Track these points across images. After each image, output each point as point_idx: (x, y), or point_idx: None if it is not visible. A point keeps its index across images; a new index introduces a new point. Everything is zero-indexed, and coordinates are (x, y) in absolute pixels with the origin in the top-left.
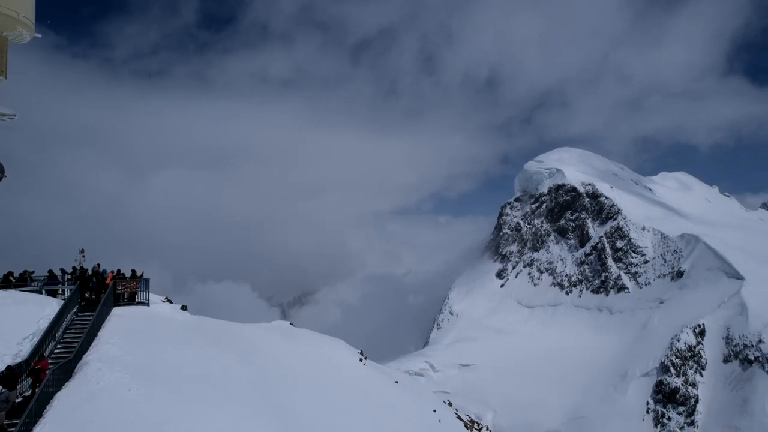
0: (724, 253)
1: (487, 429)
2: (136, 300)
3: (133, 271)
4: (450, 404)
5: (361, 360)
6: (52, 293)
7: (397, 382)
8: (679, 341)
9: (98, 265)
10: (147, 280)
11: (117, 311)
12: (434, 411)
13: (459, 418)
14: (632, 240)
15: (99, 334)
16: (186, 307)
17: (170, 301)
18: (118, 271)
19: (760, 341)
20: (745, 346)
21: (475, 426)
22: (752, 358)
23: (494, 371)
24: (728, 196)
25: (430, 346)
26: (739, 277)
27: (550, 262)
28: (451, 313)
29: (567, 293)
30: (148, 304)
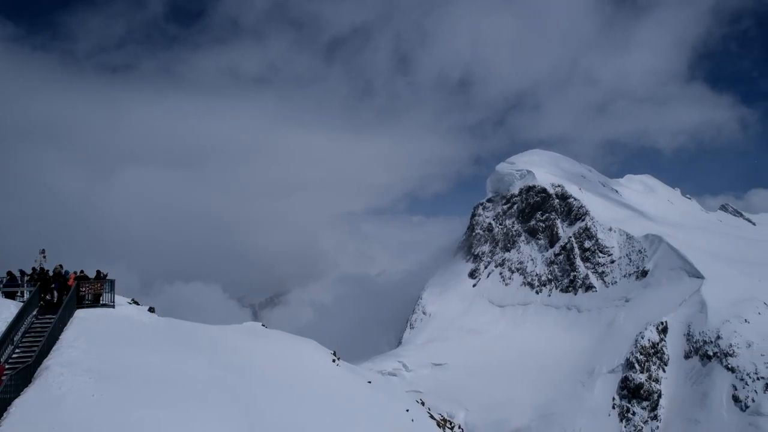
0: (685, 253)
1: (459, 427)
2: (101, 302)
3: (98, 272)
4: (423, 403)
5: (334, 361)
6: (11, 295)
7: (370, 382)
8: (643, 338)
9: (60, 266)
10: (112, 282)
11: (80, 314)
12: (407, 410)
13: (431, 417)
14: (599, 240)
15: (61, 337)
16: (153, 308)
17: (137, 303)
18: (81, 271)
19: (718, 337)
20: (705, 342)
21: (448, 425)
22: (711, 354)
23: (466, 370)
24: (689, 198)
25: (403, 346)
26: (699, 276)
27: (521, 262)
28: (424, 313)
29: (537, 292)
30: (113, 306)
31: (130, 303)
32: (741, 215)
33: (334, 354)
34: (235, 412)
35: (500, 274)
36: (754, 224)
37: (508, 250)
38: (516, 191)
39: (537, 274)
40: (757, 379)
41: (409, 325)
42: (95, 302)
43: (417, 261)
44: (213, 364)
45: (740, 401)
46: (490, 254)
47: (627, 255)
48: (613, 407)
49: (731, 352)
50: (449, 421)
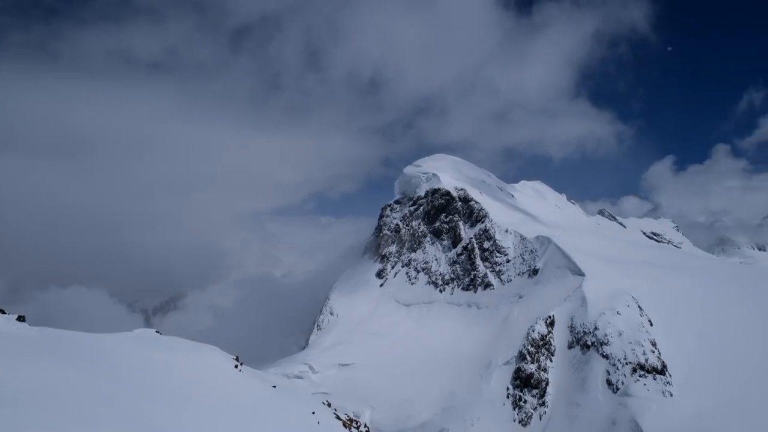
0: (570, 253)
1: (365, 426)
2: None
3: None
4: (329, 404)
5: (236, 366)
6: None
7: (275, 386)
8: (534, 331)
9: None
10: None
11: None
12: (313, 413)
13: (338, 417)
14: (497, 241)
15: None
16: (24, 317)
17: (3, 312)
18: None
19: (595, 328)
20: (585, 333)
21: (354, 424)
22: (589, 344)
23: (372, 369)
24: (573, 203)
25: (310, 348)
26: (581, 273)
27: (426, 262)
28: (331, 314)
29: (440, 291)
30: None
31: None
32: (615, 219)
33: (237, 359)
34: (127, 427)
35: (406, 273)
36: (624, 227)
37: (414, 251)
38: (422, 193)
39: (441, 274)
40: (626, 364)
41: (316, 326)
42: None
43: (324, 261)
44: (98, 377)
45: (612, 384)
46: (397, 254)
47: (521, 255)
48: (507, 396)
49: (605, 341)
50: (355, 420)
